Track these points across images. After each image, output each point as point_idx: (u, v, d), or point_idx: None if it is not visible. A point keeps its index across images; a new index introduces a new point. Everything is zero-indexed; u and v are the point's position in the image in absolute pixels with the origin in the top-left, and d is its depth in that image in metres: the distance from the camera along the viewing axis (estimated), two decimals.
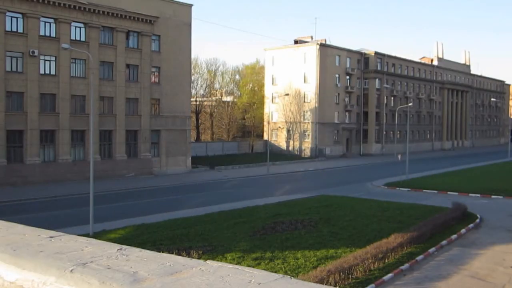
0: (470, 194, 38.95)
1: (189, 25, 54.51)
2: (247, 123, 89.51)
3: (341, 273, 17.34)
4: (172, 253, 16.57)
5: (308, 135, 77.34)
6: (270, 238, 23.08)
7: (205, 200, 35.36)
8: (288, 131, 78.86)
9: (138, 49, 50.10)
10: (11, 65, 41.87)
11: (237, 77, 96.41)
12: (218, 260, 8.37)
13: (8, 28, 41.41)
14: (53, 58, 44.23)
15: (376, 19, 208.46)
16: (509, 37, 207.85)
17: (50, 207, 32.89)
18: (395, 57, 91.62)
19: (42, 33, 43.27)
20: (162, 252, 3.44)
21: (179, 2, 53.68)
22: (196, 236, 23.43)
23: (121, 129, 48.72)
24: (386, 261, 19.84)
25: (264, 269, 2.18)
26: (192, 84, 68.81)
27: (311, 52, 77.07)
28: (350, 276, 17.73)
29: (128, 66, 49.46)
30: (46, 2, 42.62)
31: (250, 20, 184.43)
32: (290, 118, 77.83)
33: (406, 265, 19.70)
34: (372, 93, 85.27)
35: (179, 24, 53.42)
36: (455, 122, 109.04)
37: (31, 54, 42.18)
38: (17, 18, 41.90)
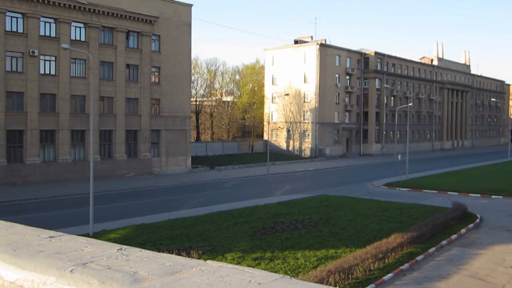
0: (470, 194, 38.95)
1: (189, 25, 54.51)
2: (247, 123, 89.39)
3: (341, 273, 17.34)
4: (172, 253, 16.58)
5: (308, 135, 77.30)
6: (270, 238, 23.07)
7: (205, 200, 35.35)
8: (288, 131, 78.82)
9: (138, 49, 50.09)
10: (11, 65, 41.88)
11: (237, 77, 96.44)
12: (218, 260, 8.37)
13: (8, 28, 41.42)
14: (53, 58, 44.22)
15: (376, 19, 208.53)
16: (509, 37, 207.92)
17: (50, 207, 32.89)
18: (395, 57, 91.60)
19: (42, 33, 43.27)
20: (162, 252, 3.43)
21: (179, 2, 53.67)
22: (196, 236, 23.43)
23: (121, 129, 48.72)
24: (386, 261, 19.84)
25: (264, 269, 2.18)
26: (192, 84, 68.84)
27: (311, 52, 77.04)
28: (350, 276, 17.73)
29: (128, 66, 49.46)
30: (46, 2, 42.61)
31: (250, 20, 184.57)
32: (290, 118, 77.82)
33: (406, 265, 19.70)
34: (372, 93, 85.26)
35: (179, 24, 53.43)
36: (455, 122, 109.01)
37: (31, 54, 42.17)
38: (17, 18, 41.90)
